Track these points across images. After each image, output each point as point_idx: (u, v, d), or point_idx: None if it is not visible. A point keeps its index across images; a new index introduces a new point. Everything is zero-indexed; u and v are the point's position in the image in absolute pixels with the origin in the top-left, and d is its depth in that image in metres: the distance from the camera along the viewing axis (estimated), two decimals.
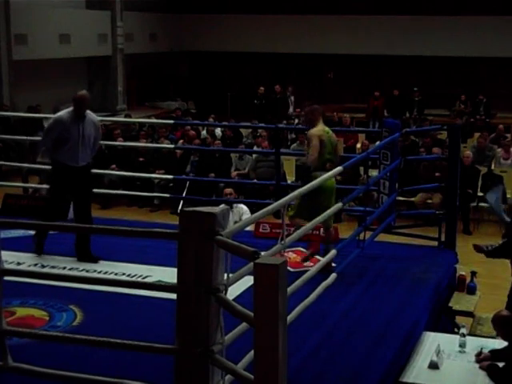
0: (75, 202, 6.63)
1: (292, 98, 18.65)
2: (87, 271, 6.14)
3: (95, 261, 6.39)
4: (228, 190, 8.36)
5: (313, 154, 6.19)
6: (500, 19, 19.83)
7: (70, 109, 6.53)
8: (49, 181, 6.75)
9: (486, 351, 4.91)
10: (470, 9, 20.10)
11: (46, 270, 6.13)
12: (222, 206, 3.41)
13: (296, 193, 4.78)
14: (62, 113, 6.56)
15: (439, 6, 20.46)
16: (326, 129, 6.39)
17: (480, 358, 4.87)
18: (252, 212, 7.91)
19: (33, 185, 11.14)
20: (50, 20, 17.35)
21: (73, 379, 3.68)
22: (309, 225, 4.96)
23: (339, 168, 5.70)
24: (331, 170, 5.96)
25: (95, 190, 9.80)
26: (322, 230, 6.69)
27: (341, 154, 7.51)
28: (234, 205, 8.07)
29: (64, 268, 6.20)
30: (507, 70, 20.15)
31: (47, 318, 5.21)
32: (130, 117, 16.38)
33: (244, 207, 8.14)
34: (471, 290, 6.61)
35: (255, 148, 12.54)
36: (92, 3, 19.56)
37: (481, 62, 20.28)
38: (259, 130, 13.44)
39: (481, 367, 4.76)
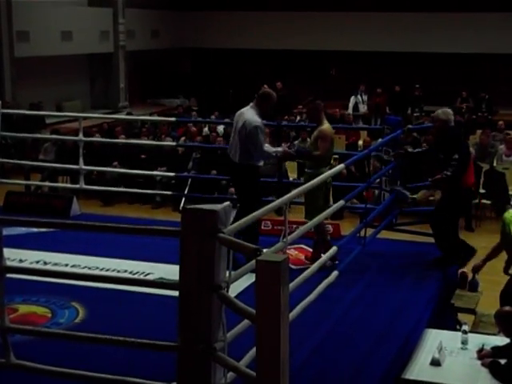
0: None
1: (365, 97, 18.35)
2: (89, 268, 6.15)
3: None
4: (232, 190, 8.40)
5: (322, 153, 6.17)
6: (502, 16, 19.80)
7: (253, 110, 6.16)
8: (242, 185, 6.27)
9: (487, 348, 4.91)
10: (472, 5, 20.06)
11: (48, 267, 6.14)
12: (226, 203, 3.40)
13: (300, 189, 4.77)
14: (254, 116, 6.11)
15: (441, 3, 20.43)
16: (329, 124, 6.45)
17: (481, 354, 4.87)
18: None
19: (35, 182, 11.15)
20: (51, 17, 17.36)
21: (75, 376, 3.69)
22: (311, 222, 4.97)
23: (341, 165, 5.71)
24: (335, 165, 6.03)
25: (97, 187, 9.88)
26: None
27: None
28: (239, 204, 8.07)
29: (66, 265, 6.21)
30: (509, 66, 20.12)
31: (49, 315, 5.22)
32: (132, 115, 16.39)
33: None
34: (473, 287, 6.61)
35: None
36: (94, 0, 19.56)
37: (483, 58, 20.25)
38: None
39: (483, 364, 4.76)
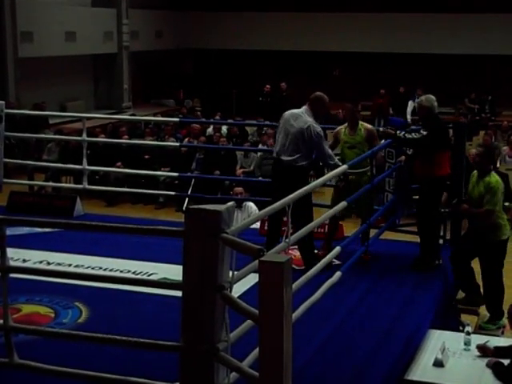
0: None
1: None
2: (92, 268, 6.15)
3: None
4: (238, 190, 8.36)
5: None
6: (505, 17, 19.78)
7: (308, 114, 6.15)
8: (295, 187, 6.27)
9: (489, 345, 4.92)
10: (474, 6, 20.05)
11: (51, 267, 6.14)
12: (231, 203, 3.40)
13: (302, 190, 4.76)
14: (313, 121, 6.13)
15: (444, 4, 20.42)
16: None
17: (482, 348, 4.87)
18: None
19: (38, 182, 11.17)
20: (55, 17, 17.38)
21: (78, 376, 3.69)
22: (314, 223, 4.96)
23: (344, 166, 5.70)
24: None
25: (100, 188, 9.89)
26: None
27: None
28: (244, 203, 8.07)
29: (69, 265, 6.21)
30: None
31: (53, 315, 5.22)
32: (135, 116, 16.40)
33: (253, 206, 8.15)
34: None
35: (260, 146, 12.56)
36: (98, 1, 19.58)
37: (486, 59, 20.23)
38: (265, 128, 13.44)
39: (487, 365, 4.76)
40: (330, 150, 6.25)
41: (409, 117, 17.26)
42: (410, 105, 17.79)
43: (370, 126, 6.78)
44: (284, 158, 6.15)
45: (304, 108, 6.22)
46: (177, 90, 21.73)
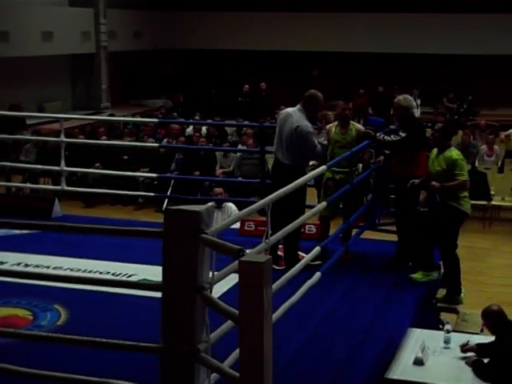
0: None
1: (419, 100, 17.79)
2: (71, 270, 6.10)
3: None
4: (218, 190, 8.35)
5: None
6: (483, 17, 19.95)
7: (301, 113, 6.04)
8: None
9: (472, 344, 4.95)
10: (455, 7, 20.19)
11: (29, 269, 6.08)
12: (211, 204, 3.39)
13: (283, 190, 4.76)
14: (304, 120, 6.00)
15: (425, 4, 20.55)
16: None
17: (465, 348, 4.90)
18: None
19: (16, 184, 11.07)
20: (32, 17, 17.24)
21: (57, 379, 3.66)
22: (296, 222, 4.96)
23: (323, 167, 5.70)
24: None
25: (78, 189, 9.82)
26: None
27: None
28: (223, 204, 8.06)
29: (48, 267, 6.16)
30: (492, 67, 20.27)
31: (31, 318, 5.17)
32: (114, 116, 16.32)
33: (233, 206, 8.14)
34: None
35: (240, 146, 12.55)
36: (75, 0, 19.45)
37: (464, 59, 20.38)
38: (244, 128, 13.42)
39: (466, 363, 4.79)
40: (318, 150, 6.12)
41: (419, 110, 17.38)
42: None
43: (360, 126, 6.76)
44: (279, 157, 6.13)
45: (297, 107, 6.13)
46: (175, 93, 21.55)
